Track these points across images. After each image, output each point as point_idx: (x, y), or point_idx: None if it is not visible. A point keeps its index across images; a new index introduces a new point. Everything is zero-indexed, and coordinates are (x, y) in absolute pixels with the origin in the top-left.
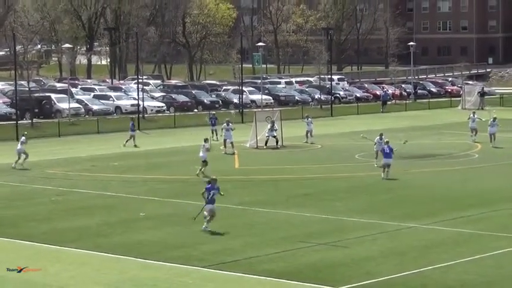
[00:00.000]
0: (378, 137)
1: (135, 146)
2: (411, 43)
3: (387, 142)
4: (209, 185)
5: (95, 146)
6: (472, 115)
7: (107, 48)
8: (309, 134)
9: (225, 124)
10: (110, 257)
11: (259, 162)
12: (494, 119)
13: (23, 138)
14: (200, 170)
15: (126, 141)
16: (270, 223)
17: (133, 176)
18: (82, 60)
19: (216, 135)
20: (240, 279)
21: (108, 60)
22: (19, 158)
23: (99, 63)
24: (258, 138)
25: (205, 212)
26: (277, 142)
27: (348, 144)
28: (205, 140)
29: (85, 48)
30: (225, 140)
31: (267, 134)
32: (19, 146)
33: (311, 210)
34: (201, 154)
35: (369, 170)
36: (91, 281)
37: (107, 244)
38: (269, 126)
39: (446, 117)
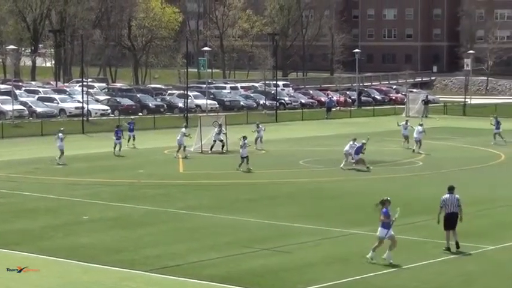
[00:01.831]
0: (351, 142)
1: (134, 147)
2: (356, 50)
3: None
4: (385, 209)
5: (38, 148)
6: (404, 123)
7: (52, 50)
8: (258, 140)
9: (183, 129)
10: (52, 260)
11: (204, 166)
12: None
13: (61, 134)
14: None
15: (128, 141)
16: (213, 228)
17: (77, 179)
18: (26, 62)
19: (134, 140)
20: (183, 284)
21: (53, 62)
22: (62, 154)
23: (44, 65)
24: (202, 142)
25: (381, 239)
26: (223, 147)
27: (292, 150)
28: (244, 138)
29: (30, 50)
30: (180, 145)
31: (214, 139)
32: (59, 143)
33: (255, 216)
34: (241, 151)
35: (313, 176)
36: (32, 283)
37: (49, 247)
38: (216, 130)
39: (390, 124)
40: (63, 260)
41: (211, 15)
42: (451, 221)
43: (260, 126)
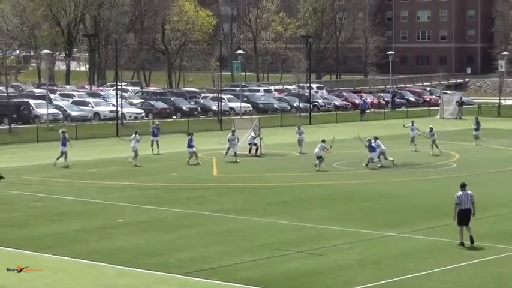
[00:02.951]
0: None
1: (158, 153)
2: (390, 52)
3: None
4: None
5: (72, 152)
6: (410, 124)
7: (86, 54)
8: (302, 144)
9: (230, 135)
10: (86, 264)
11: (238, 169)
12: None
13: (138, 136)
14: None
15: (152, 148)
16: (248, 230)
17: (111, 182)
18: (61, 66)
19: (158, 147)
20: (217, 287)
21: (87, 66)
22: (136, 155)
23: (78, 69)
24: (238, 145)
25: None
26: (257, 150)
27: (326, 153)
28: (323, 141)
29: (64, 54)
30: (229, 148)
31: (249, 142)
32: (133, 143)
33: (289, 218)
34: (316, 150)
35: (346, 178)
36: (67, 287)
37: (83, 250)
38: (253, 134)
39: (424, 126)
40: (97, 263)
41: (244, 18)
42: (464, 217)
43: (301, 128)
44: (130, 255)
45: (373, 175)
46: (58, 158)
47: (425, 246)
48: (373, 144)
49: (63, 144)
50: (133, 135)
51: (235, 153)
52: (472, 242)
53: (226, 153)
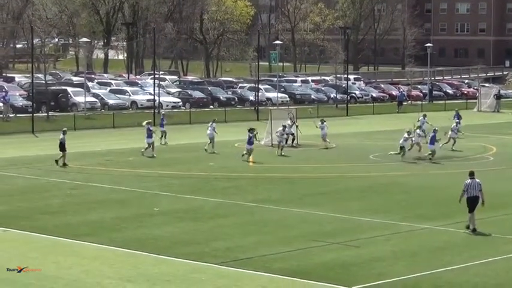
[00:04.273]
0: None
1: (165, 144)
2: (428, 44)
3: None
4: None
5: (110, 140)
6: (422, 117)
7: (124, 43)
8: (325, 137)
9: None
10: (123, 252)
11: (274, 160)
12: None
13: (214, 124)
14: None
15: (160, 138)
16: (283, 221)
17: (148, 171)
18: (99, 54)
19: (165, 137)
20: (252, 277)
21: (125, 55)
22: (211, 142)
23: (116, 58)
24: (273, 135)
25: None
26: (293, 140)
27: (362, 144)
28: (408, 133)
29: (102, 43)
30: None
31: (281, 132)
32: (210, 131)
33: (325, 209)
34: (400, 141)
35: (383, 170)
36: (104, 275)
37: (120, 239)
38: (289, 122)
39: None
40: (134, 251)
41: (283, 8)
42: (472, 204)
43: (325, 122)
44: (167, 244)
45: (410, 167)
46: (146, 149)
47: (462, 239)
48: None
49: (150, 136)
50: (210, 123)
51: (281, 145)
52: (474, 230)
53: (281, 148)
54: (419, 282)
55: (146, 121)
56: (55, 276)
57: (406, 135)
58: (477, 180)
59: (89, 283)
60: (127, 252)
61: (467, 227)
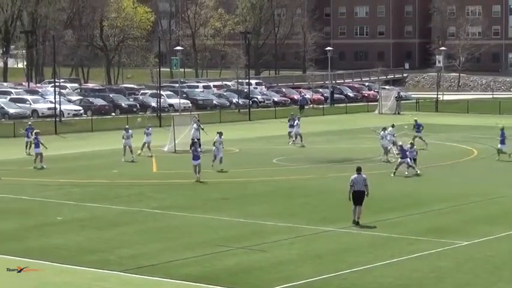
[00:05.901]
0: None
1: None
2: (328, 48)
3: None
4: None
5: (10, 150)
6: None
7: (24, 51)
8: (298, 136)
9: (145, 129)
10: (25, 262)
11: (177, 166)
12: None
13: (195, 124)
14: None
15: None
16: (187, 227)
17: (50, 180)
18: None
19: (29, 148)
20: (157, 284)
21: (25, 63)
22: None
23: (16, 66)
24: (176, 142)
25: None
26: (199, 145)
27: (266, 148)
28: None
29: (1, 51)
30: (144, 144)
31: (192, 137)
32: (193, 132)
33: (228, 214)
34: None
35: (286, 174)
36: (6, 286)
37: (22, 248)
38: (195, 126)
39: (363, 121)
40: (36, 261)
41: (183, 14)
42: (358, 198)
43: (296, 120)
44: (70, 253)
45: (312, 171)
46: (35, 161)
47: (366, 240)
48: (405, 148)
49: (37, 146)
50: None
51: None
52: (357, 223)
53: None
54: (326, 284)
55: (35, 131)
56: None
57: (381, 133)
58: (363, 175)
59: None
60: (29, 261)
61: (355, 222)
